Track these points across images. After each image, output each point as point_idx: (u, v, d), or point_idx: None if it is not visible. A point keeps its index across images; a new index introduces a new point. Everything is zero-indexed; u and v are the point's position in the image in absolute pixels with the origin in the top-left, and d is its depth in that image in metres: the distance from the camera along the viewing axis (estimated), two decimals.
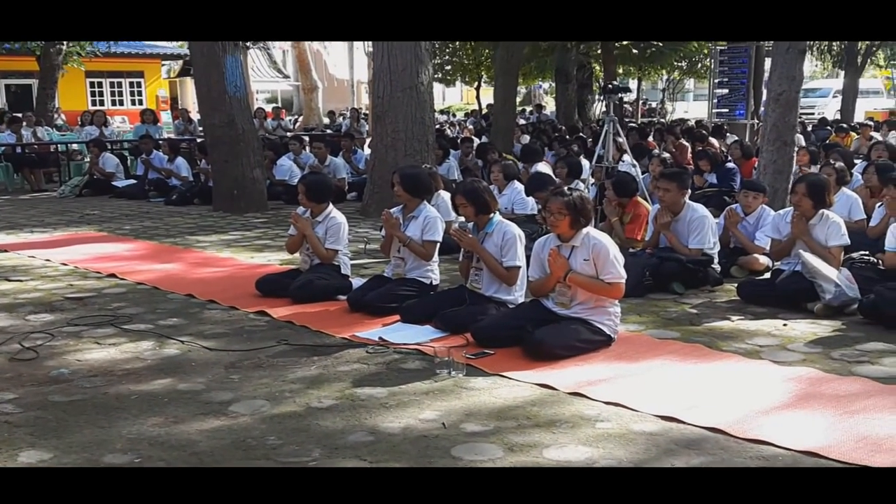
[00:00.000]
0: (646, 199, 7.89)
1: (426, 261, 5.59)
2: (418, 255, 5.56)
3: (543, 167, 9.75)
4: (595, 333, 4.57)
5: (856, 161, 10.44)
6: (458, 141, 14.17)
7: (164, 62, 32.09)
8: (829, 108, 30.54)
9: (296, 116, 32.20)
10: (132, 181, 13.03)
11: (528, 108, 34.41)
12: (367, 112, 23.29)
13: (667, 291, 5.98)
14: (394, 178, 5.69)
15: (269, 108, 25.01)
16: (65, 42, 19.99)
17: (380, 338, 4.84)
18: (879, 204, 6.74)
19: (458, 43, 26.46)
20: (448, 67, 28.02)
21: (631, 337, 4.88)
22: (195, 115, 18.84)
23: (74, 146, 15.22)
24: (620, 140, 9.93)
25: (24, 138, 15.08)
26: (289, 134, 17.58)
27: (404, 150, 9.68)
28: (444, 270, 6.49)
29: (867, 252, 5.93)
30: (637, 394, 3.87)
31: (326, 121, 26.63)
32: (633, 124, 19.94)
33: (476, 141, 14.82)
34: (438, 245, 5.66)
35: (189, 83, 31.42)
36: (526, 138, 16.13)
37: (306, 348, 4.72)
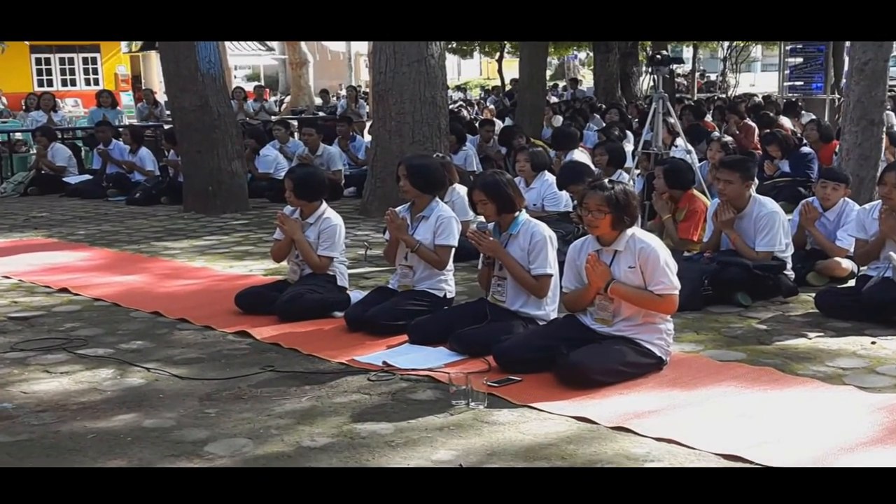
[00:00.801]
0: (704, 193, 7.89)
1: (439, 269, 5.61)
2: (429, 262, 5.58)
3: (580, 155, 9.74)
4: (643, 355, 4.57)
5: None
6: (477, 124, 14.20)
7: None
8: None
9: (282, 97, 32.36)
10: (87, 177, 13.17)
11: (561, 84, 34.45)
12: (367, 91, 23.37)
13: (730, 303, 5.97)
14: (399, 171, 5.72)
15: (249, 87, 25.16)
16: None
17: (384, 362, 4.86)
18: None
19: None
20: None
21: (686, 359, 4.87)
22: (162, 97, 18.99)
23: (18, 135, 15.37)
24: (672, 121, 9.93)
25: None
26: (274, 118, 17.70)
27: (412, 137, 9.72)
28: (461, 280, 6.51)
29: None
30: (694, 428, 3.87)
31: (319, 102, 26.77)
32: (688, 101, 19.91)
33: (498, 124, 14.84)
34: (453, 250, 5.67)
35: (154, 58, 31.63)
36: (558, 120, 16.14)
37: (296, 376, 4.73)
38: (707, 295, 5.95)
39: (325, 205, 6.06)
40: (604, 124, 14.07)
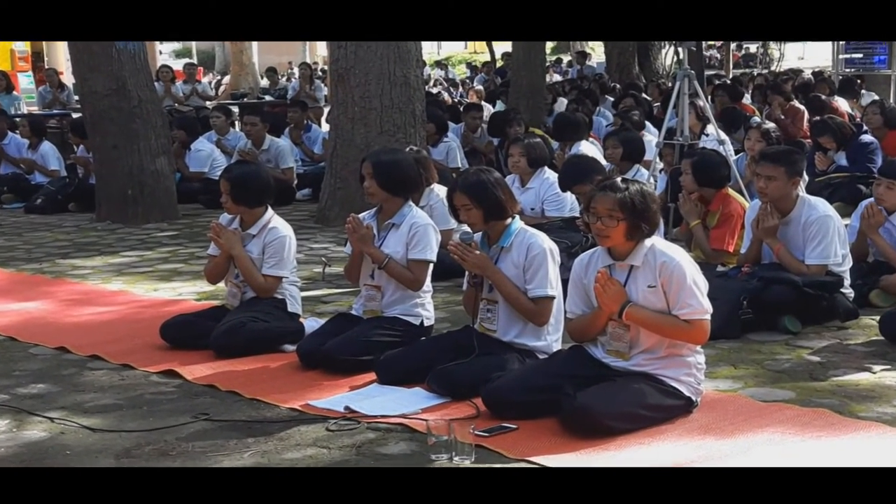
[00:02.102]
0: (741, 193, 7.91)
1: (414, 290, 5.61)
2: (402, 281, 5.57)
3: (588, 147, 9.79)
4: (667, 395, 4.58)
5: None
6: (461, 109, 14.20)
7: None
8: None
9: (219, 77, 32.31)
10: None
11: (566, 59, 34.56)
12: (325, 69, 23.35)
13: (774, 329, 5.99)
14: (364, 168, 5.72)
15: (179, 65, 25.09)
16: None
17: (346, 407, 4.85)
18: None
19: None
20: None
21: (722, 399, 4.88)
22: (69, 79, 18.89)
23: None
24: (702, 104, 9.97)
25: None
26: (209, 104, 17.69)
27: (379, 126, 9.75)
28: (441, 304, 6.50)
29: None
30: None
31: (265, 83, 26.74)
32: (722, 79, 20.00)
33: (488, 109, 14.86)
34: (431, 267, 5.67)
35: None
36: (562, 103, 16.20)
37: (236, 426, 4.71)
38: (746, 319, 5.96)
39: (271, 211, 6.05)
40: (615, 112, 14.09)
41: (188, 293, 7.50)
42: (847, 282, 6.24)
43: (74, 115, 13.94)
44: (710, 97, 13.53)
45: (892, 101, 14.65)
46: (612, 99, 16.65)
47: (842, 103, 14.13)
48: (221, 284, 6.27)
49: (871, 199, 6.81)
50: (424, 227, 5.63)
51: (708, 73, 24.18)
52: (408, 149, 7.48)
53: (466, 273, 5.23)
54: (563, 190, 7.73)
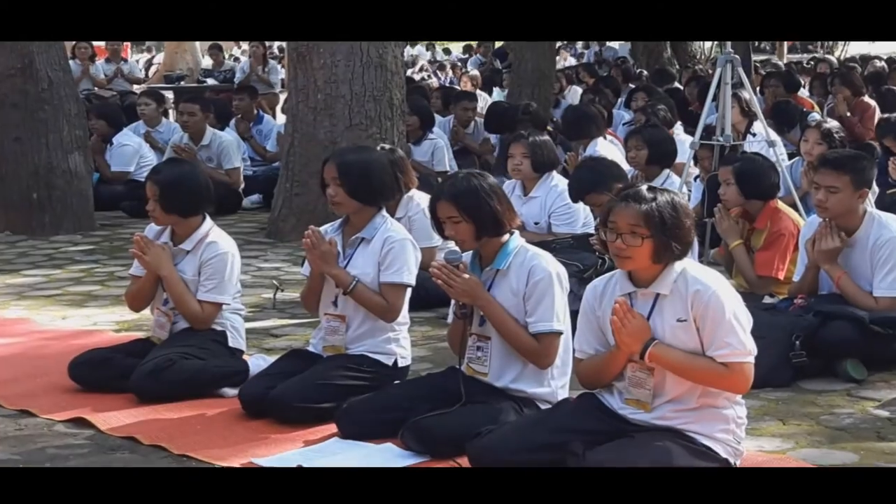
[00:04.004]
0: (795, 208, 7.94)
1: (386, 321, 5.63)
2: (372, 310, 5.59)
3: (606, 147, 9.80)
4: (698, 456, 4.56)
5: None
6: (451, 98, 14.23)
7: None
8: None
9: (150, 56, 32.28)
10: None
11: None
12: (283, 47, 23.37)
13: (833, 376, 6.00)
14: (327, 171, 5.75)
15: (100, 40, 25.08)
16: None
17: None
18: None
19: None
20: None
21: (767, 462, 4.89)
22: None
23: None
24: (748, 96, 9.98)
25: None
26: (137, 88, 17.63)
27: (348, 118, 9.79)
28: (421, 340, 6.53)
29: None
30: None
31: (207, 63, 26.73)
32: (773, 66, 20.06)
33: (483, 99, 14.82)
34: (409, 292, 5.69)
35: None
36: (575, 93, 16.19)
37: None
38: (799, 363, 5.97)
39: (210, 222, 6.06)
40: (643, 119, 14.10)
41: (105, 322, 7.49)
42: None
43: None
44: (758, 88, 13.54)
45: None
46: (636, 89, 16.59)
47: None
48: (147, 312, 6.26)
49: None
50: (401, 242, 5.65)
51: (757, 58, 24.32)
52: (380, 147, 7.50)
53: (452, 302, 5.23)
54: (575, 200, 7.71)
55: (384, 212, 5.78)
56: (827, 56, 28.79)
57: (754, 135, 10.01)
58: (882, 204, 8.53)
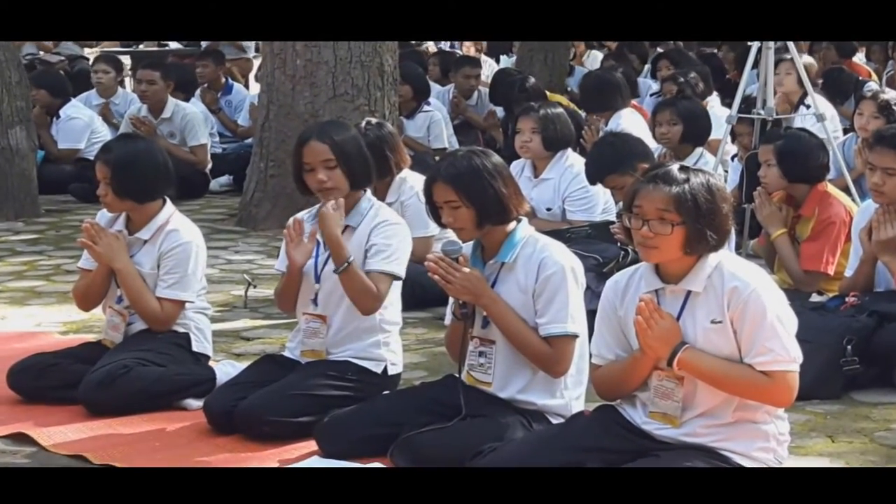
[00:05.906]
0: (847, 192, 7.83)
1: (368, 312, 5.45)
2: (360, 296, 5.44)
3: (630, 120, 9.60)
4: None
5: None
6: (451, 65, 13.90)
7: None
8: None
9: None
10: None
11: None
12: None
13: (891, 386, 5.90)
14: (307, 152, 5.58)
15: None
16: None
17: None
18: None
19: None
20: None
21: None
22: None
23: None
24: (807, 61, 9.57)
25: None
26: (88, 52, 17.40)
27: (331, 87, 9.57)
28: (414, 344, 6.47)
29: None
30: None
31: None
32: None
33: (489, 65, 14.70)
34: (399, 286, 5.59)
35: None
36: (595, 58, 16.12)
37: None
38: (851, 372, 5.83)
39: (171, 208, 5.94)
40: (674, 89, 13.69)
41: (50, 323, 7.35)
42: None
43: None
44: (806, 52, 13.15)
45: None
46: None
47: None
48: (98, 311, 6.14)
49: None
50: (393, 227, 5.52)
51: None
52: (366, 121, 7.34)
53: (451, 300, 5.13)
54: (594, 182, 7.51)
55: (369, 194, 5.66)
56: None
57: (808, 107, 9.90)
58: None
